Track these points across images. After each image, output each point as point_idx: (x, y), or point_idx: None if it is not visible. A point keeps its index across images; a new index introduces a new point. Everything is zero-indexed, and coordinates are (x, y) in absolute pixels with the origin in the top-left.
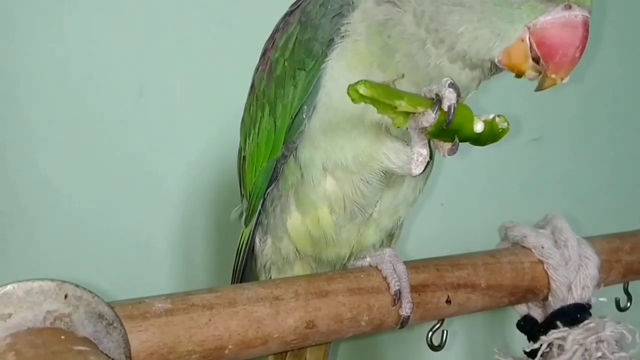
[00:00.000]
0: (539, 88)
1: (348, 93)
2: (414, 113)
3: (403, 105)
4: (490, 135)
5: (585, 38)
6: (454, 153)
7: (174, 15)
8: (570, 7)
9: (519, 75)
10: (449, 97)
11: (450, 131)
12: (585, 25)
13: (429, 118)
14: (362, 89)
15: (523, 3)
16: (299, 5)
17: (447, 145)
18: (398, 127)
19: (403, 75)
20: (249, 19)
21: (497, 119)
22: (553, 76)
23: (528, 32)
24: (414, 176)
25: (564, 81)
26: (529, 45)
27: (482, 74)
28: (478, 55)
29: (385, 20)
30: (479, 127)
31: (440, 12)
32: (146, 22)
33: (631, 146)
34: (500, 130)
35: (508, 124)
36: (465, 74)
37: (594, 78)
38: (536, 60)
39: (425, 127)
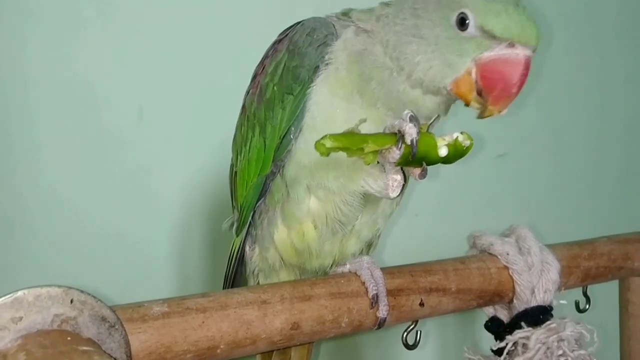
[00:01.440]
0: (479, 116)
1: (316, 148)
2: (381, 150)
3: (370, 146)
4: (456, 154)
5: (524, 76)
6: (424, 177)
7: (171, 43)
8: (513, 45)
9: (467, 104)
10: (410, 133)
11: (417, 160)
12: (526, 64)
13: (394, 155)
14: (328, 143)
15: (471, 39)
16: (287, 34)
17: (417, 171)
18: (369, 164)
19: (365, 120)
20: (240, 46)
21: (460, 136)
22: (491, 107)
23: (475, 65)
24: (392, 199)
25: (502, 113)
26: (474, 78)
27: (446, 99)
28: (432, 83)
29: (362, 50)
30: (443, 152)
31: (401, 42)
32: (145, 50)
33: (588, 162)
34: (464, 148)
35: (471, 141)
36: (429, 99)
37: (554, 99)
38: (480, 92)
39: (395, 161)
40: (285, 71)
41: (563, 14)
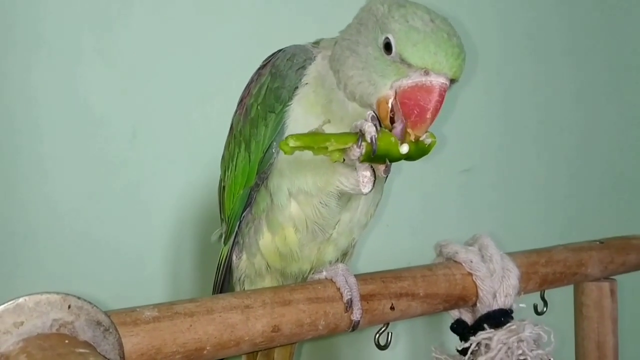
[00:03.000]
0: (401, 141)
1: (280, 147)
2: (345, 148)
3: (333, 145)
4: (419, 152)
5: (438, 102)
6: (388, 173)
7: (163, 70)
8: (427, 73)
9: (386, 126)
10: (369, 131)
11: (379, 157)
12: (440, 91)
13: (355, 152)
14: (291, 142)
15: (392, 63)
16: (270, 60)
17: (382, 167)
18: (336, 162)
19: (329, 121)
20: (227, 73)
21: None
22: (409, 131)
23: (394, 92)
24: (365, 194)
25: (422, 138)
26: (390, 104)
27: None
28: (362, 98)
29: (324, 74)
30: (404, 149)
31: (343, 56)
32: (139, 73)
33: (546, 176)
34: (426, 146)
35: (434, 139)
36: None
37: (516, 116)
38: (392, 119)
39: (357, 158)
40: (268, 92)
41: (529, 35)
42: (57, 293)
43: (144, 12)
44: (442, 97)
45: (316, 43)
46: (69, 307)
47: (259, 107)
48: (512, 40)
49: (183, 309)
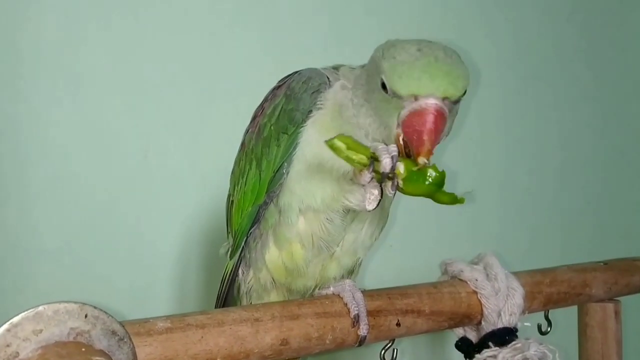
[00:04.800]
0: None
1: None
2: (361, 170)
3: (356, 161)
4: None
5: (432, 123)
6: (394, 190)
7: (174, 91)
8: (417, 98)
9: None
10: (385, 165)
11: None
12: (432, 111)
13: (366, 177)
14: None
15: (391, 100)
16: (285, 82)
17: (389, 184)
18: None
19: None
20: (238, 91)
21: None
22: (415, 157)
23: (399, 124)
24: (369, 211)
25: (427, 163)
26: (401, 139)
27: None
28: (384, 142)
29: (342, 103)
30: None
31: (359, 104)
32: (151, 96)
33: (547, 198)
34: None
35: (437, 173)
36: None
37: (517, 138)
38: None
39: (368, 181)
40: (282, 113)
41: (528, 58)
42: (75, 302)
43: (156, 35)
44: (435, 116)
45: (336, 68)
46: (86, 316)
47: (272, 128)
48: (513, 63)
49: (195, 321)
